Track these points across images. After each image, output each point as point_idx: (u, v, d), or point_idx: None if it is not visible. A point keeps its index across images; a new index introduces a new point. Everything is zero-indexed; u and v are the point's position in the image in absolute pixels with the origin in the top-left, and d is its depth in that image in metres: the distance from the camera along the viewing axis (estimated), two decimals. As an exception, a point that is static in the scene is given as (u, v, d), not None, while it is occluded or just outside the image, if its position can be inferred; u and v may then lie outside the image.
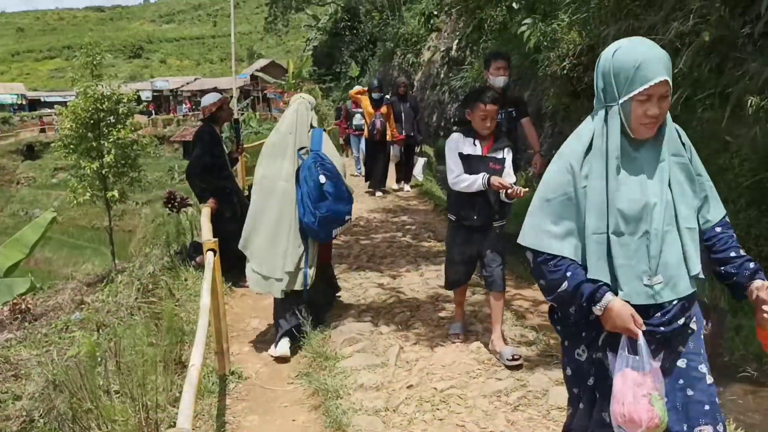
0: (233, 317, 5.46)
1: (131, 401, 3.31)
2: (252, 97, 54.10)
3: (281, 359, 4.57)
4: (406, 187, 11.83)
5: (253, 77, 57.67)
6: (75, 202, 12.05)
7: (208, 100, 6.26)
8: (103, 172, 12.00)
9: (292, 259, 4.66)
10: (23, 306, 10.94)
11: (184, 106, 62.56)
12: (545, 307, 5.54)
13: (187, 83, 66.39)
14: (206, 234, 4.53)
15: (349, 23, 34.91)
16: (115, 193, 12.25)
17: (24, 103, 68.37)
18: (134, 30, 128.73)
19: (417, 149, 12.05)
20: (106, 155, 11.91)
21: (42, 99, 70.05)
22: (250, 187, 6.99)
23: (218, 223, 6.20)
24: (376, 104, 10.77)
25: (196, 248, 6.77)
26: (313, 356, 4.38)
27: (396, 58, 30.22)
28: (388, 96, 11.75)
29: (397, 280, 5.91)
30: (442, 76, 30.83)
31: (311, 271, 4.69)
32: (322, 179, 4.53)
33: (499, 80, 5.60)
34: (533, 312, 5.23)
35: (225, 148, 6.27)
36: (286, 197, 4.67)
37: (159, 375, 3.67)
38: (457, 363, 4.11)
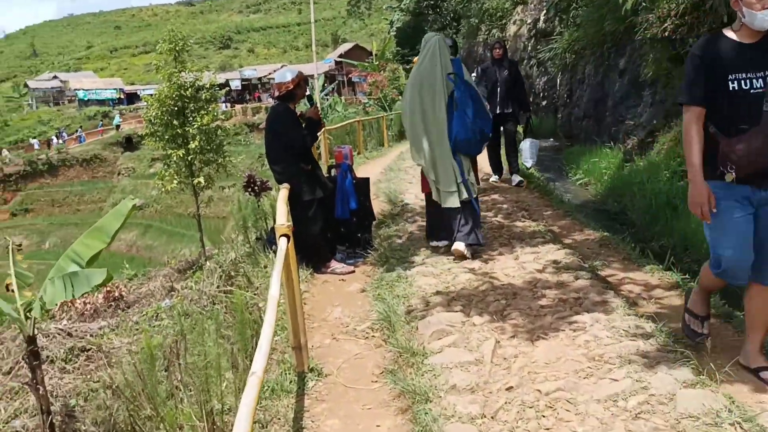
0: (314, 306, 5.11)
1: (197, 406, 2.98)
2: (337, 82, 54.20)
3: (461, 256, 5.59)
4: (516, 179, 9.30)
5: (337, 62, 57.77)
6: (163, 189, 12.15)
7: (282, 76, 5.90)
8: (189, 158, 12.02)
9: (457, 173, 5.57)
10: (117, 294, 11.10)
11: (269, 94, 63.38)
12: (659, 293, 4.93)
13: (274, 71, 67.06)
14: (281, 218, 4.17)
15: (431, 1, 34.20)
16: (201, 179, 12.24)
17: (122, 97, 71.22)
18: (223, 22, 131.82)
19: (519, 127, 9.71)
20: (191, 142, 11.90)
21: (138, 92, 72.86)
22: (331, 168, 6.63)
23: (297, 207, 5.88)
24: None
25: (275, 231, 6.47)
26: (398, 351, 3.95)
27: (481, 34, 29.37)
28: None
29: (490, 264, 5.39)
30: (529, 49, 29.75)
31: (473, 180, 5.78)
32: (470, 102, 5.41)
33: None
34: (646, 298, 4.61)
35: (302, 126, 5.90)
36: (441, 120, 5.49)
37: (225, 376, 3.33)
38: (563, 360, 3.57)
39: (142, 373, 3.16)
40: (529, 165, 10.05)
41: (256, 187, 7.06)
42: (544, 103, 27.46)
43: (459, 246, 5.60)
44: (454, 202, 5.58)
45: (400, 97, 28.11)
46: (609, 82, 15.76)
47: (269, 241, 6.46)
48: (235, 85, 66.65)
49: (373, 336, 4.44)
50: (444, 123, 5.49)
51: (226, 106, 57.43)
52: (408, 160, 13.72)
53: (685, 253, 7.48)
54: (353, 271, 6.03)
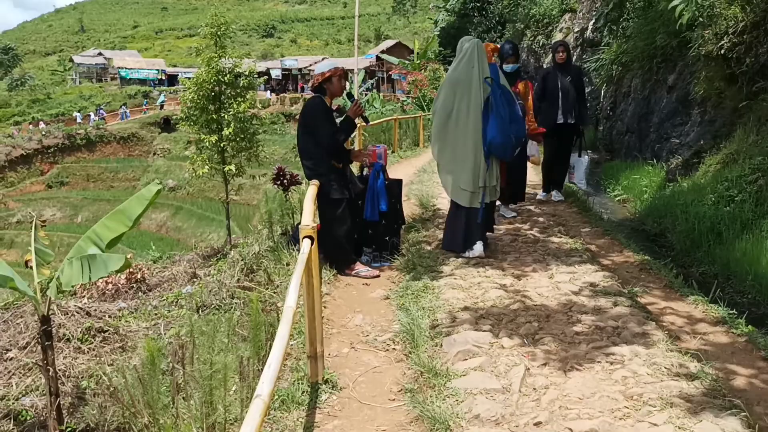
0: (334, 310, 4.88)
1: (199, 416, 2.77)
2: (377, 78, 54.05)
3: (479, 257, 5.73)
4: (557, 196, 8.69)
5: (378, 58, 57.62)
6: (194, 174, 12.04)
7: (319, 68, 5.69)
8: (222, 145, 11.88)
9: (483, 175, 5.67)
10: (139, 276, 11.01)
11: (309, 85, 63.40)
12: (704, 327, 4.60)
13: (315, 62, 67.27)
14: (306, 218, 3.94)
15: (478, 3, 33.84)
16: (232, 167, 12.10)
17: (163, 78, 71.89)
18: (268, 10, 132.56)
19: (577, 142, 8.56)
20: (225, 128, 11.76)
21: (179, 75, 73.59)
22: (363, 167, 6.39)
23: (325, 205, 5.66)
24: (510, 80, 6.80)
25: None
26: (420, 369, 3.70)
27: (525, 39, 28.94)
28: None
29: (522, 282, 5.10)
30: (574, 58, 29.26)
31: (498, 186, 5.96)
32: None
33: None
34: (689, 333, 4.29)
35: (335, 122, 5.66)
36: (474, 122, 5.57)
37: (231, 384, 3.12)
38: (597, 396, 3.28)
39: (143, 377, 2.96)
40: (582, 186, 9.02)
41: (285, 181, 6.85)
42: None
43: (479, 249, 5.83)
44: (474, 202, 5.76)
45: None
46: (656, 97, 15.29)
47: (294, 237, 6.25)
48: (276, 74, 66.92)
49: (393, 349, 4.19)
50: (479, 125, 5.58)
51: (270, 95, 57.69)
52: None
53: (728, 282, 7.11)
54: (378, 276, 5.79)
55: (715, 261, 7.49)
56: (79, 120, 56.53)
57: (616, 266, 5.81)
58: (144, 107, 59.94)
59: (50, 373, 5.64)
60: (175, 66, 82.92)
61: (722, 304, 4.80)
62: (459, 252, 5.88)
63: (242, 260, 6.54)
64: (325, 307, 4.84)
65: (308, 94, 65.46)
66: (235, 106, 11.86)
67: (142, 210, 6.01)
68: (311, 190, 5.13)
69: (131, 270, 11.03)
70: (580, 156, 8.57)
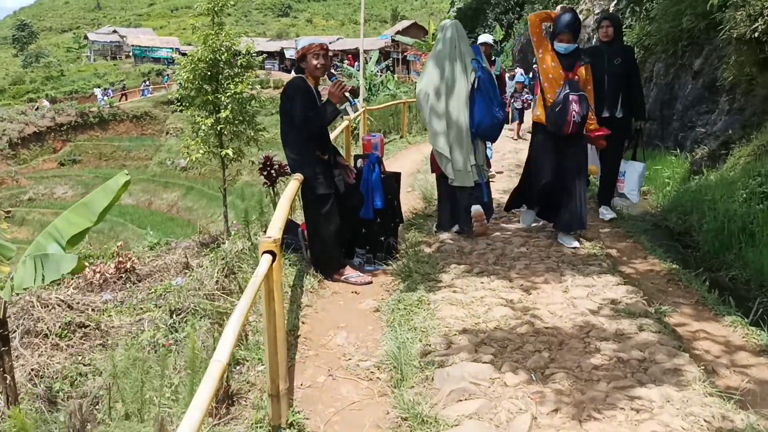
0: (314, 326, 4.24)
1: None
2: (392, 59, 53.11)
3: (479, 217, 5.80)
4: (605, 213, 7.02)
5: (394, 39, 56.58)
6: (189, 159, 11.40)
7: (299, 45, 5.00)
8: (219, 128, 11.21)
9: (473, 156, 5.72)
10: (129, 265, 10.45)
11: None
12: (745, 358, 3.92)
13: (330, 43, 66.36)
14: (272, 226, 3.28)
15: (497, -16, 32.81)
16: (230, 151, 11.43)
17: (177, 56, 71.26)
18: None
19: (629, 144, 6.95)
20: (222, 110, 11.09)
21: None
22: (358, 159, 5.74)
23: (310, 202, 5.02)
24: (567, 64, 5.53)
25: (288, 228, 5.63)
26: (403, 411, 3.05)
27: (545, 21, 27.98)
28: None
29: (533, 297, 4.42)
30: (594, 40, 28.30)
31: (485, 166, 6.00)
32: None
33: None
34: (728, 365, 3.62)
35: (313, 104, 4.96)
36: (463, 104, 5.59)
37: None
38: (620, 460, 2.63)
39: None
40: (634, 200, 6.95)
41: (272, 171, 6.20)
42: (605, 99, 26.09)
43: (478, 208, 5.81)
44: (468, 181, 5.75)
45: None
46: (680, 83, 14.45)
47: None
48: (290, 53, 66.05)
49: (378, 378, 3.55)
50: (466, 107, 5.60)
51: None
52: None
53: (762, 290, 6.42)
54: (370, 282, 5.15)
55: (748, 265, 6.77)
56: (99, 96, 56.28)
57: (640, 276, 5.13)
58: (165, 84, 59.48)
59: (8, 381, 5.10)
60: (189, 44, 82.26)
61: (765, 327, 4.11)
62: (447, 230, 6.00)
63: (223, 259, 5.92)
64: (302, 322, 4.21)
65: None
66: (232, 86, 11.18)
67: (109, 203, 5.40)
68: (291, 186, 4.48)
69: (121, 259, 10.49)
70: (634, 159, 6.79)
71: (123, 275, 10.30)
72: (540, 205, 6.07)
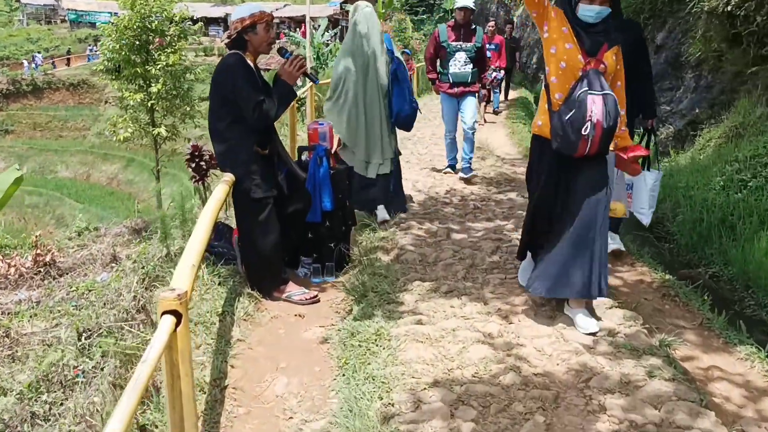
0: (247, 369, 3.40)
1: None
2: (341, 27, 51.68)
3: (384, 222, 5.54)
4: (612, 244, 5.92)
5: (343, 6, 55.04)
6: (116, 138, 10.26)
7: (237, 13, 4.09)
8: (150, 104, 10.08)
9: (387, 146, 5.61)
10: (48, 258, 9.37)
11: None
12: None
13: (276, 9, 64.24)
14: (184, 265, 2.41)
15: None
16: (162, 130, 10.32)
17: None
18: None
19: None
20: (153, 84, 9.95)
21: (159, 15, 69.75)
22: (302, 151, 4.87)
23: (244, 208, 4.15)
24: (591, 43, 3.47)
25: (218, 233, 4.75)
26: None
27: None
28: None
29: (514, 327, 3.65)
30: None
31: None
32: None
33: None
34: (757, 418, 2.94)
35: (259, 86, 4.08)
36: (383, 94, 5.45)
37: None
38: None
39: None
40: (644, 219, 5.16)
41: (202, 163, 5.27)
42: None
43: (383, 213, 5.72)
44: (385, 170, 5.67)
45: (406, 51, 25.97)
46: (641, 57, 13.87)
47: (212, 249, 4.72)
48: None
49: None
50: (384, 97, 5.50)
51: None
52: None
53: (748, 292, 5.85)
54: (317, 299, 4.32)
55: (730, 262, 6.18)
56: (26, 66, 53.46)
57: (630, 289, 4.43)
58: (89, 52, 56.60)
59: None
60: (159, 6, 78.65)
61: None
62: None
63: (143, 268, 5.01)
64: (232, 366, 3.37)
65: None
66: (164, 58, 10.03)
67: (-2, 204, 4.45)
68: (220, 190, 3.60)
69: (39, 252, 9.40)
70: (645, 167, 4.93)
71: (42, 269, 9.24)
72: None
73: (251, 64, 4.09)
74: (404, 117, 5.58)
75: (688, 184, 8.01)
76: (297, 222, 4.48)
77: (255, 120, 3.90)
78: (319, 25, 32.05)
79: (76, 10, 69.06)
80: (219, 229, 4.75)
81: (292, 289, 4.32)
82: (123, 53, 9.83)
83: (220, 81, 3.94)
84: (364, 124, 5.48)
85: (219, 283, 4.18)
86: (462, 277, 4.31)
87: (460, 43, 7.19)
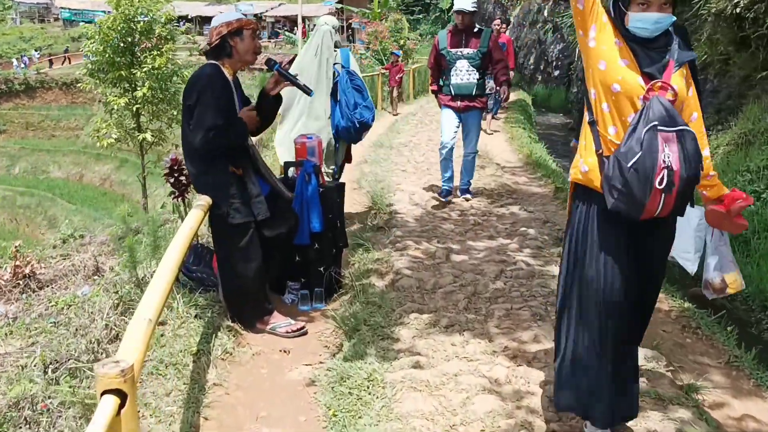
0: (225, 417, 3.01)
1: None
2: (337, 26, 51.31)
3: None
4: None
5: (338, 6, 54.60)
6: (99, 144, 9.83)
7: (218, 19, 3.70)
8: (136, 108, 9.66)
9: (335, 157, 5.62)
10: (27, 270, 8.95)
11: (265, 33, 60.43)
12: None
13: (272, 8, 63.79)
14: (134, 329, 2.02)
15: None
16: (148, 135, 9.90)
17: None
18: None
19: None
20: (138, 88, 9.53)
21: (145, 16, 69.20)
22: (289, 167, 4.49)
23: (222, 234, 3.76)
24: (651, 61, 2.46)
25: (197, 255, 4.35)
26: None
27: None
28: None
29: (523, 369, 3.26)
30: (546, 12, 27.39)
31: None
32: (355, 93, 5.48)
33: None
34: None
35: (238, 104, 3.70)
36: (324, 108, 5.49)
37: None
38: None
39: None
40: (690, 267, 2.88)
41: (182, 177, 4.87)
42: (556, 73, 25.31)
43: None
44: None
45: (395, 53, 25.54)
46: (643, 60, 13.54)
47: (186, 267, 4.32)
48: (229, 19, 63.28)
49: None
50: (327, 111, 5.57)
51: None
52: (403, 133, 11.52)
53: (765, 313, 5.51)
54: (304, 331, 3.93)
55: (745, 279, 5.80)
56: (36, 60, 53.01)
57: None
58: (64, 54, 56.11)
59: None
60: (144, 7, 78.09)
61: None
62: None
63: (116, 293, 4.60)
64: (205, 418, 2.98)
65: (264, 42, 62.69)
66: (149, 60, 9.62)
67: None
68: (193, 217, 3.21)
69: (18, 264, 8.98)
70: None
71: (21, 282, 8.83)
72: None
73: (229, 78, 3.69)
74: (341, 129, 5.50)
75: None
76: (283, 245, 4.09)
77: (198, 144, 3.50)
78: (314, 25, 31.64)
79: (69, 9, 68.51)
80: (198, 252, 4.36)
81: (277, 320, 3.93)
82: (107, 55, 9.41)
83: (192, 95, 3.54)
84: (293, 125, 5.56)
85: (196, 316, 3.78)
86: (464, 308, 3.92)
87: (461, 49, 6.29)
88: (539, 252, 4.98)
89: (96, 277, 8.92)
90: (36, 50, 59.01)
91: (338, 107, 5.55)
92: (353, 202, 6.54)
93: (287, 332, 3.88)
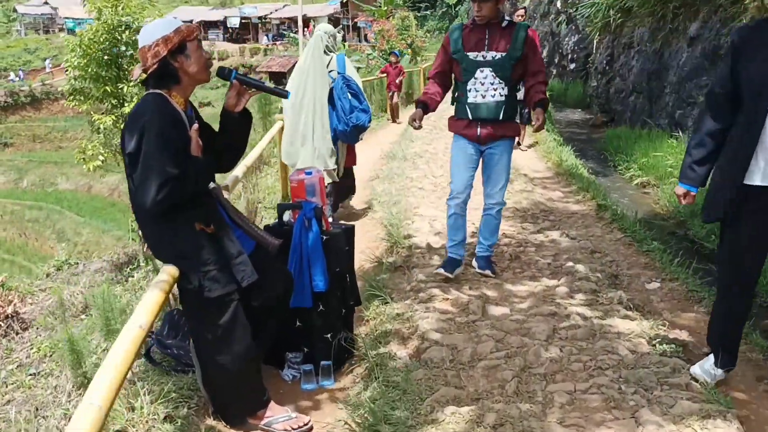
0: None
1: None
2: (342, 26, 50.45)
3: None
4: None
5: (343, 4, 53.76)
6: (85, 166, 9.01)
7: (149, 33, 2.73)
8: (123, 126, 8.78)
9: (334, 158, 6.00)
10: (9, 310, 8.15)
11: (270, 35, 59.84)
12: None
13: (276, 10, 63.01)
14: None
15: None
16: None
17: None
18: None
19: None
20: (126, 104, 8.67)
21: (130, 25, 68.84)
22: (283, 210, 3.60)
23: (194, 312, 2.89)
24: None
25: (173, 326, 3.48)
26: None
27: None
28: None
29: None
30: (559, 4, 26.45)
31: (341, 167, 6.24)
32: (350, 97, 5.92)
33: None
34: None
35: (182, 148, 2.75)
36: (314, 108, 5.91)
37: None
38: None
39: None
40: None
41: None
42: (572, 66, 24.35)
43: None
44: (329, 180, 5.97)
45: (408, 50, 24.65)
46: (671, 51, 12.61)
47: (158, 341, 3.45)
48: (234, 23, 62.73)
49: None
50: (326, 115, 5.90)
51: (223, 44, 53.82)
52: (417, 141, 10.56)
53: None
54: (308, 427, 3.05)
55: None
56: (48, 69, 53.03)
57: (748, 398, 3.12)
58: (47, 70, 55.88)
59: None
60: (128, 15, 77.67)
61: None
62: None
63: (79, 368, 3.75)
64: None
65: (267, 44, 62.15)
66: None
67: None
68: (148, 303, 2.34)
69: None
70: None
71: (2, 323, 8.05)
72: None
73: (179, 108, 2.78)
74: (339, 132, 5.91)
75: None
76: (278, 308, 3.21)
77: (149, 206, 2.56)
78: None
79: (74, 18, 68.21)
80: (174, 321, 3.49)
81: (275, 413, 3.04)
82: (90, 69, 8.56)
83: (134, 135, 2.61)
84: (311, 139, 5.93)
85: (165, 417, 2.89)
86: (513, 392, 3.00)
87: (483, 53, 4.21)
88: (595, 298, 4.05)
89: (83, 317, 8.12)
90: (47, 59, 58.99)
91: (334, 112, 5.90)
92: (365, 232, 5.65)
93: (287, 429, 3.00)
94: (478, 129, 4.28)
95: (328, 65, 5.91)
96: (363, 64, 23.81)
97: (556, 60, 26.12)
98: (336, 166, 5.99)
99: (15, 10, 77.13)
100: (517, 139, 4.66)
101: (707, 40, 11.29)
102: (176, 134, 2.64)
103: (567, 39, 25.08)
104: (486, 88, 4.20)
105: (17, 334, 7.99)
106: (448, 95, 4.50)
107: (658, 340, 3.49)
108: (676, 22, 12.89)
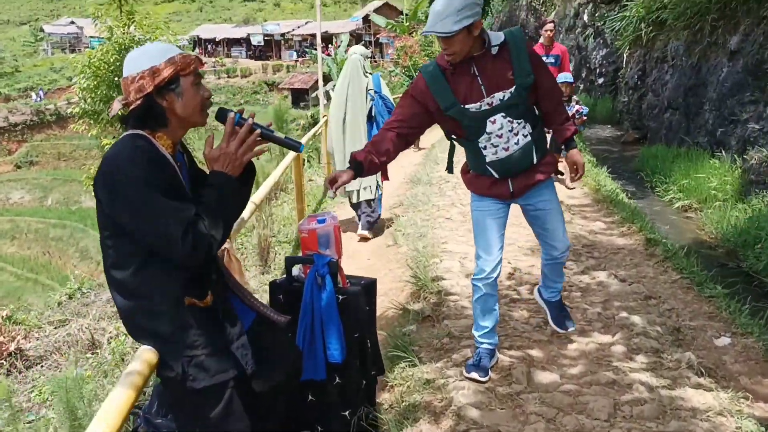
0: None
1: None
2: (364, 42, 50.28)
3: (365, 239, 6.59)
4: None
5: (366, 20, 53.67)
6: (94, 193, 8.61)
7: (136, 63, 2.11)
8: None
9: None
10: (13, 347, 7.72)
11: (293, 51, 60.12)
12: None
13: (298, 27, 63.20)
14: None
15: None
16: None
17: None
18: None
19: None
20: (137, 128, 8.24)
21: (143, 45, 70.09)
22: (292, 264, 3.05)
23: (185, 405, 2.35)
24: None
25: (162, 402, 2.95)
26: None
27: (524, -5, 25.68)
28: None
29: None
30: (586, 17, 25.90)
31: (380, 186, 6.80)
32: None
33: None
34: None
35: (183, 191, 2.17)
36: (362, 130, 6.48)
37: None
38: None
39: None
40: None
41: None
42: (600, 81, 23.72)
43: (364, 232, 6.67)
44: (367, 196, 6.59)
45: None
46: (710, 65, 11.97)
47: (145, 419, 2.93)
48: (257, 40, 63.11)
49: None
50: (364, 133, 6.44)
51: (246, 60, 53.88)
52: (442, 163, 10.01)
53: None
54: None
55: None
56: (34, 99, 53.72)
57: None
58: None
59: None
60: (141, 35, 78.62)
61: None
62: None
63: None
64: None
65: (290, 61, 62.30)
66: (148, 96, 8.30)
67: None
68: (115, 401, 1.81)
69: (2, 340, 7.77)
70: None
71: (5, 361, 7.62)
72: None
73: (167, 153, 2.18)
74: None
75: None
76: (285, 388, 2.66)
77: (187, 256, 2.05)
78: (341, 41, 30.59)
79: (99, 38, 69.07)
80: (161, 396, 2.96)
81: None
82: (100, 91, 8.11)
83: (106, 194, 2.08)
84: (343, 155, 6.45)
85: None
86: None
87: (485, 99, 3.15)
88: (659, 360, 3.45)
89: (89, 355, 7.65)
90: (70, 78, 59.74)
91: (375, 129, 6.32)
92: (388, 270, 5.10)
93: None
94: (510, 185, 3.34)
95: (366, 86, 6.50)
96: (385, 80, 23.39)
97: (584, 74, 25.48)
98: (378, 188, 6.61)
99: (42, 30, 78.32)
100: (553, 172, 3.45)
101: (750, 54, 10.66)
102: (169, 178, 2.08)
103: (595, 53, 24.44)
104: (506, 139, 3.21)
105: (20, 372, 7.57)
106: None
107: (735, 410, 2.89)
108: (714, 35, 12.27)
